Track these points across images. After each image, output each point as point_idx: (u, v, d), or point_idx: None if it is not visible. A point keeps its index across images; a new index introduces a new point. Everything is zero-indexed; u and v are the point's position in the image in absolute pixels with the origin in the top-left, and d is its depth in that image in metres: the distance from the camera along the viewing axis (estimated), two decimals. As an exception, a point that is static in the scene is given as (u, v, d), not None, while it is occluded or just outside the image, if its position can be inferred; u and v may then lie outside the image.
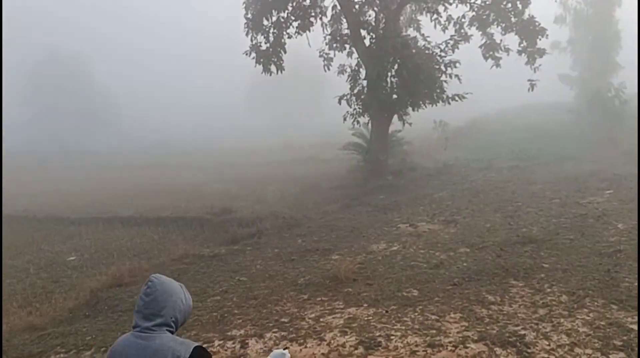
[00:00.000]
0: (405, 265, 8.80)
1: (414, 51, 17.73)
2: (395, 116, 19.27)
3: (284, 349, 3.07)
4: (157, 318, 2.52)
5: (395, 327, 6.28)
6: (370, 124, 19.93)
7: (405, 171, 19.51)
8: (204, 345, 5.46)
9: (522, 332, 5.79)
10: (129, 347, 2.53)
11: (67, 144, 47.64)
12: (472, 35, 19.30)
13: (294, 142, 38.99)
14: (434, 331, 6.06)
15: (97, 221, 17.20)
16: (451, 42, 18.74)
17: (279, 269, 9.51)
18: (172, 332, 2.58)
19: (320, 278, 8.48)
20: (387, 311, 6.80)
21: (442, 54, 18.37)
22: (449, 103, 18.15)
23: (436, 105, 18.47)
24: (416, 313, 6.64)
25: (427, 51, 18.47)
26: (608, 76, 31.71)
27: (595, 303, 6.41)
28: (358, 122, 19.69)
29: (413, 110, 18.59)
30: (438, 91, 17.84)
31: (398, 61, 17.54)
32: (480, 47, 19.53)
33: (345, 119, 19.38)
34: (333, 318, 6.80)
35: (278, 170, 25.05)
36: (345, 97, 19.07)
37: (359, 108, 18.83)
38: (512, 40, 19.34)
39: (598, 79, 30.41)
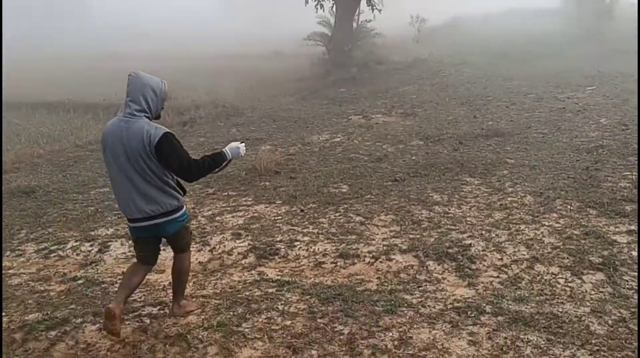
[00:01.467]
0: (343, 158, 7.24)
1: None
2: (364, 3, 17.08)
3: (241, 143, 3.46)
4: (135, 105, 3.10)
5: (305, 230, 4.77)
6: (335, 10, 17.72)
7: (372, 64, 17.60)
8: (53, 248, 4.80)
9: (468, 241, 4.31)
10: (115, 128, 3.13)
11: (27, 34, 43.82)
12: None
13: (262, 36, 36.07)
14: (354, 237, 4.56)
15: (20, 106, 15.26)
16: None
17: (194, 159, 7.90)
18: (149, 118, 3.15)
19: (236, 169, 6.89)
20: (302, 211, 5.29)
21: None
22: None
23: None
24: (337, 214, 5.13)
25: None
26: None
27: (568, 207, 4.93)
28: (322, 6, 17.47)
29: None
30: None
31: None
32: None
33: (307, 2, 17.14)
34: (233, 216, 5.27)
35: (239, 63, 22.77)
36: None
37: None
38: None
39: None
